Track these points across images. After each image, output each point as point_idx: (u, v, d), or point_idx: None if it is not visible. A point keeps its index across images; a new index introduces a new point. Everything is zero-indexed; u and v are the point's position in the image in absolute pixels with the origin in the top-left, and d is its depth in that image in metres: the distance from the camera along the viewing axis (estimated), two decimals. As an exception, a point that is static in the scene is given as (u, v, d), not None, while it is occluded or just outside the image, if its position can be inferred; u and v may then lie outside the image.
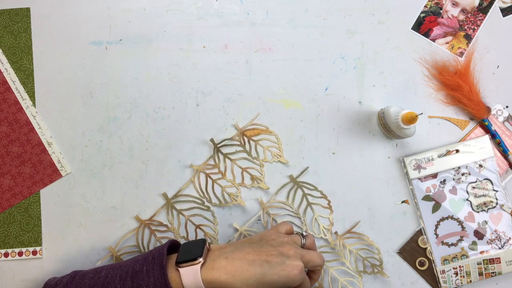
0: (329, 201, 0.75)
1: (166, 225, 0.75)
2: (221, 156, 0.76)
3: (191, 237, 0.75)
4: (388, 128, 0.72)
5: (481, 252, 0.75)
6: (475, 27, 0.77)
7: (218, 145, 0.76)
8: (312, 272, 0.66)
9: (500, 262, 0.75)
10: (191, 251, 0.61)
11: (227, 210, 0.76)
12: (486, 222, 0.75)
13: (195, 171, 0.75)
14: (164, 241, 0.74)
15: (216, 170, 0.76)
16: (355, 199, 0.76)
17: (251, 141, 0.76)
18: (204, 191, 0.75)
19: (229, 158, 0.76)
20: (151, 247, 0.75)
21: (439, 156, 0.75)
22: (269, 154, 0.76)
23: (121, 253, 0.74)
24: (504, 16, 0.78)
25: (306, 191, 0.75)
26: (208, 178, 0.76)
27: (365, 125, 0.77)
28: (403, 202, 0.76)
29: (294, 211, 0.75)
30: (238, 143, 0.76)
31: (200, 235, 0.75)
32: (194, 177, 0.76)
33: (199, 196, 0.75)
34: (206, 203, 0.75)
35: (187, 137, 0.77)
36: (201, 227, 0.75)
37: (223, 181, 0.76)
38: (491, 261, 0.75)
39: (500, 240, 0.75)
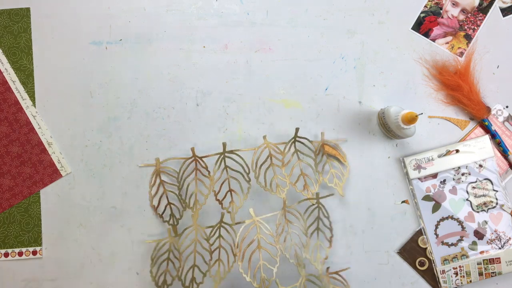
0: (332, 236, 0.75)
1: (209, 171, 0.75)
2: (292, 149, 0.75)
3: (220, 196, 0.75)
4: (388, 128, 0.73)
5: (481, 252, 0.75)
6: (475, 27, 0.77)
7: (297, 138, 0.75)
8: None
9: (500, 262, 0.75)
10: None
11: (253, 194, 0.76)
12: (486, 222, 0.75)
13: (264, 143, 0.75)
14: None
15: (280, 157, 0.75)
16: (355, 199, 0.76)
17: (324, 156, 0.76)
18: (258, 166, 0.75)
19: (298, 156, 0.75)
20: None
21: (439, 156, 0.75)
22: (332, 178, 0.76)
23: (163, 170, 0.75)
24: (504, 16, 0.78)
25: (321, 215, 0.75)
26: (269, 158, 0.75)
27: (365, 125, 0.77)
28: (403, 202, 0.76)
29: (305, 229, 0.74)
30: (314, 149, 0.76)
31: (228, 199, 0.75)
32: (259, 148, 0.75)
33: (249, 166, 0.75)
34: (249, 176, 0.75)
35: (187, 137, 0.77)
36: (233, 192, 0.75)
37: (279, 170, 0.75)
38: (491, 261, 0.75)
39: (500, 240, 0.75)
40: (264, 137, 0.75)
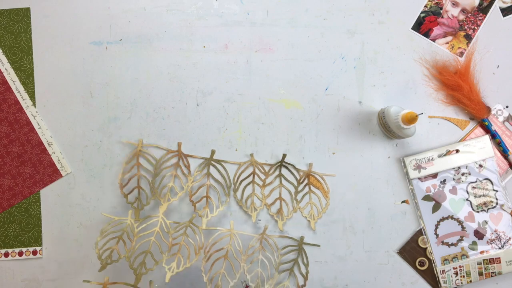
0: (304, 285, 0.74)
1: (189, 170, 0.75)
2: (276, 172, 0.76)
3: (195, 198, 0.75)
4: (388, 128, 0.72)
5: (481, 252, 0.75)
6: (475, 27, 0.77)
7: (284, 163, 0.76)
8: None
9: (500, 262, 0.75)
10: None
11: (233, 207, 0.76)
12: (486, 222, 0.75)
13: (250, 160, 0.76)
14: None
15: (263, 177, 0.76)
16: (355, 199, 0.76)
17: (307, 186, 0.76)
18: (238, 180, 0.76)
19: (280, 180, 0.76)
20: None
21: (439, 156, 0.75)
22: (308, 209, 0.76)
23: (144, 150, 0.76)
24: (504, 16, 0.78)
25: (299, 259, 0.75)
26: (252, 175, 0.76)
27: (365, 125, 0.77)
28: (403, 202, 0.76)
29: (277, 263, 0.74)
30: (298, 177, 0.76)
31: (202, 204, 0.75)
32: (244, 164, 0.76)
33: (231, 180, 0.76)
34: (229, 190, 0.75)
35: (187, 137, 0.77)
36: (209, 199, 0.75)
37: (258, 189, 0.76)
38: (491, 261, 0.75)
39: (500, 240, 0.75)
40: (251, 154, 0.76)
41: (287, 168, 0.76)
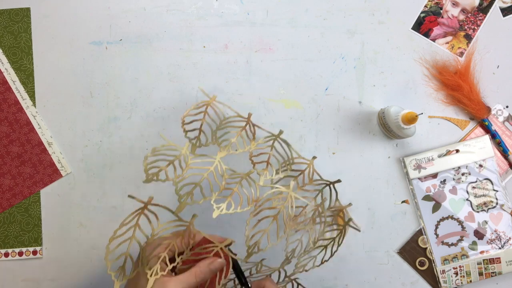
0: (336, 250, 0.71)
1: (254, 137, 0.70)
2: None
3: (256, 159, 0.70)
4: (388, 128, 0.73)
5: (481, 252, 0.75)
6: (475, 27, 0.77)
7: (332, 183, 0.72)
8: None
9: (500, 262, 0.75)
10: None
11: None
12: (486, 222, 0.75)
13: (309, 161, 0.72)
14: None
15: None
16: (355, 199, 0.76)
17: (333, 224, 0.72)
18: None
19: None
20: None
21: (439, 156, 0.75)
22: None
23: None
24: (504, 16, 0.78)
25: (337, 239, 0.70)
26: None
27: (365, 125, 0.77)
28: (403, 202, 0.76)
29: (315, 239, 0.68)
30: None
31: (262, 166, 0.71)
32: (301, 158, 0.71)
33: (293, 159, 0.71)
34: (290, 166, 0.71)
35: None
36: (270, 165, 0.71)
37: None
38: (491, 261, 0.75)
39: (500, 240, 0.75)
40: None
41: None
